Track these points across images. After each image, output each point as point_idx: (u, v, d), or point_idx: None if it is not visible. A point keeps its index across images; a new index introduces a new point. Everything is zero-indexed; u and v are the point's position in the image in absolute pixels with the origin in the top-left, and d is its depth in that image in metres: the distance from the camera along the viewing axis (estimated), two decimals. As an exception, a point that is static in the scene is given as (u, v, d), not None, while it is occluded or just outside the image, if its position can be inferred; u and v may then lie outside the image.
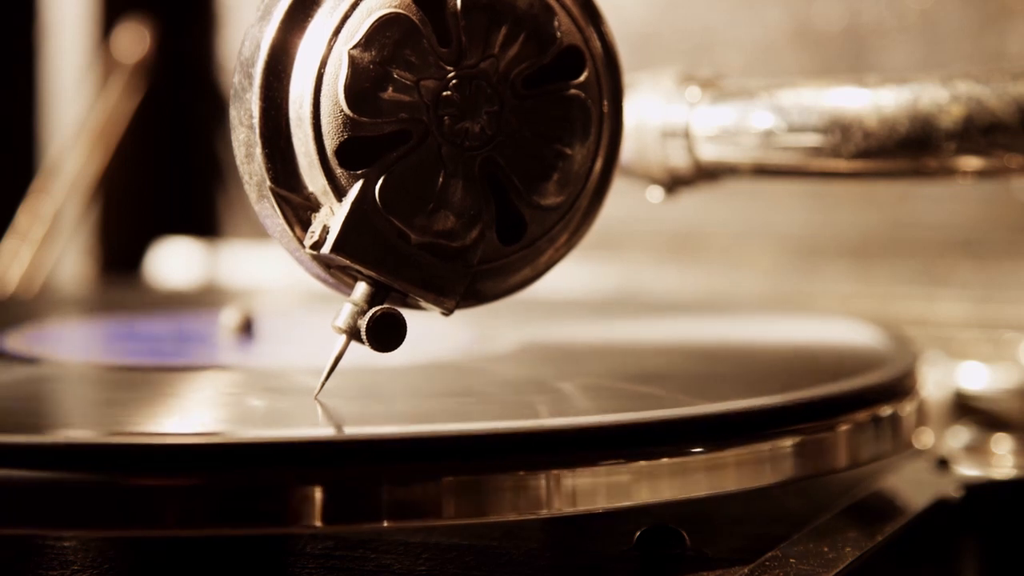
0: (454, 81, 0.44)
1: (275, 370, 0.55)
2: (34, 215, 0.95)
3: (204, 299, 0.83)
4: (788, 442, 0.46)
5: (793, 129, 0.52)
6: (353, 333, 0.44)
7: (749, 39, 0.86)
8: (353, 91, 0.43)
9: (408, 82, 0.43)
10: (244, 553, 0.45)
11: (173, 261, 1.00)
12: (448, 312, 0.45)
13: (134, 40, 1.00)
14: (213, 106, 1.04)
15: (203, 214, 1.05)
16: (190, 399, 0.50)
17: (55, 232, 0.96)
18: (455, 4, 0.44)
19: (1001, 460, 0.58)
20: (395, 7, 0.43)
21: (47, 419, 0.48)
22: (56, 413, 0.50)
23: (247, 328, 0.63)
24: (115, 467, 0.38)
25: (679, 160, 0.56)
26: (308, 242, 0.44)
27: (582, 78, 0.46)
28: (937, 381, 0.63)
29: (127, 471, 0.38)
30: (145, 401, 0.48)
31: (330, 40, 0.43)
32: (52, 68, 1.03)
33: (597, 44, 0.46)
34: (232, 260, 0.99)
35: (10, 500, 0.38)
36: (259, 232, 0.46)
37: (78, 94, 1.02)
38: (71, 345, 0.65)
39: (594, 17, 0.46)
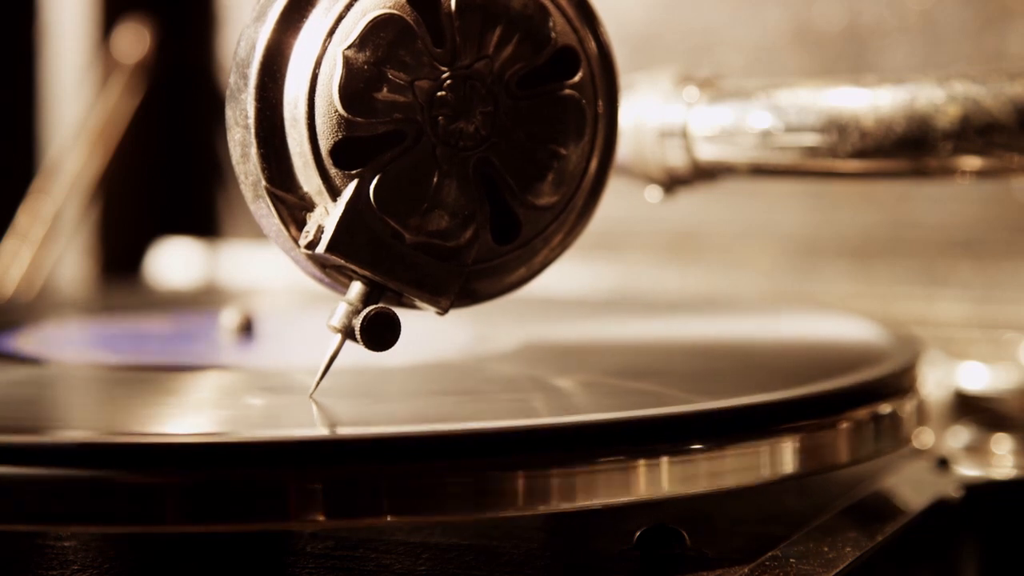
0: (448, 81, 0.44)
1: (274, 370, 0.55)
2: (34, 215, 0.95)
3: (204, 299, 0.83)
4: (788, 438, 0.46)
5: (790, 129, 0.52)
6: (348, 332, 0.44)
7: (749, 39, 0.86)
8: (348, 91, 0.43)
9: (402, 82, 0.43)
10: (244, 553, 0.45)
11: (173, 261, 1.00)
12: (443, 312, 0.45)
13: (134, 40, 1.00)
14: (213, 106, 1.04)
15: (203, 214, 1.05)
16: (190, 399, 0.50)
17: (55, 232, 0.95)
18: (449, 5, 0.44)
19: (1001, 460, 0.58)
20: (389, 8, 0.43)
21: (48, 418, 0.48)
22: (57, 412, 0.50)
23: (247, 328, 0.63)
24: (116, 465, 0.38)
25: (677, 160, 0.56)
26: (303, 242, 0.44)
27: (577, 78, 0.46)
28: (937, 381, 0.63)
29: (128, 468, 0.38)
30: (145, 401, 0.48)
31: (325, 41, 0.43)
32: (52, 68, 1.03)
33: (592, 44, 0.46)
34: (232, 260, 0.99)
35: (12, 497, 0.39)
36: (259, 232, 0.46)
37: (78, 94, 1.02)
38: (71, 345, 0.65)
39: (589, 18, 0.46)
